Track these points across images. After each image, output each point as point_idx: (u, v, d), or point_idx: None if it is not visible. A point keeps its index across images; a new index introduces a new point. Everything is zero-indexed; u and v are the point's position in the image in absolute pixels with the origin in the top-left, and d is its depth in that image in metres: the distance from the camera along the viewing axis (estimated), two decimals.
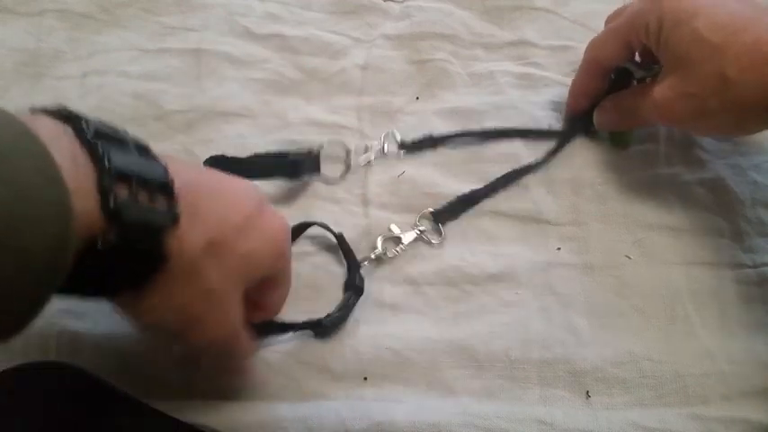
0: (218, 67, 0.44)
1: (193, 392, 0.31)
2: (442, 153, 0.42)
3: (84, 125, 0.22)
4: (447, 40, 0.47)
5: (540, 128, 0.42)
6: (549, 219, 0.39)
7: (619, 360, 0.34)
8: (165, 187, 0.23)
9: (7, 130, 0.18)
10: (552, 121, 0.43)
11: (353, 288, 0.35)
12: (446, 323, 0.35)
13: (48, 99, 0.37)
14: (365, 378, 0.33)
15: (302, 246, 0.37)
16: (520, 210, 0.39)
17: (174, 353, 0.32)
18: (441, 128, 0.43)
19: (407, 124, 0.43)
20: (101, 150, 0.21)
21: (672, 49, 0.34)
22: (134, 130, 0.25)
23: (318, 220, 0.37)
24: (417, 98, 0.44)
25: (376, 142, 0.41)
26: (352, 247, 0.36)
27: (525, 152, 0.41)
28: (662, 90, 0.34)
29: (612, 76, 0.41)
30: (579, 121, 0.42)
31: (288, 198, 0.39)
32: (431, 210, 0.39)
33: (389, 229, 0.38)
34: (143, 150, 0.24)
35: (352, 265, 0.36)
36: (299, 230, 0.36)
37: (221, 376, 0.32)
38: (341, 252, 0.36)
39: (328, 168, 0.40)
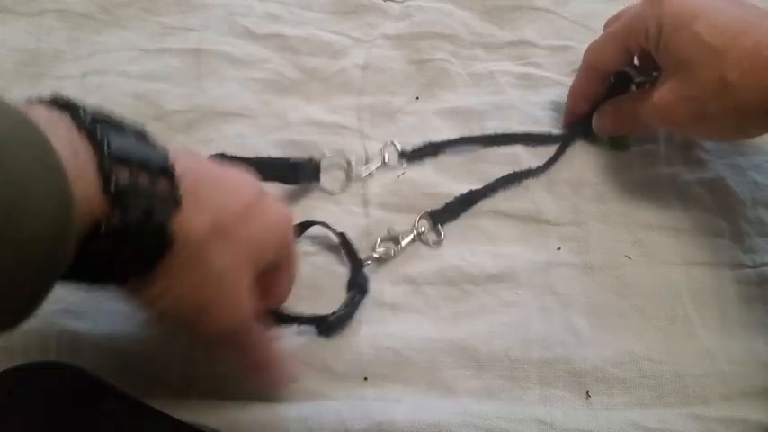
0: (218, 67, 0.44)
1: (193, 392, 0.31)
2: (442, 155, 0.42)
3: (81, 112, 0.22)
4: (447, 40, 0.47)
5: (541, 132, 0.42)
6: (549, 219, 0.39)
7: (619, 360, 0.34)
8: (165, 171, 0.23)
9: (4, 119, 0.18)
10: (552, 121, 0.43)
11: (357, 287, 0.35)
12: (446, 323, 0.35)
13: None
14: (365, 378, 0.33)
15: (303, 246, 0.37)
16: (520, 210, 0.39)
17: (200, 354, 0.32)
18: (441, 128, 0.43)
19: (407, 124, 0.43)
20: (99, 134, 0.21)
21: (672, 53, 0.34)
22: None
23: (319, 220, 0.37)
24: (417, 98, 0.44)
25: (377, 151, 0.41)
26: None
27: (525, 154, 0.41)
28: (662, 94, 0.34)
29: (612, 79, 0.41)
30: (579, 125, 0.42)
31: (288, 198, 0.39)
32: (429, 211, 0.39)
33: (388, 231, 0.38)
34: (141, 136, 0.24)
35: (356, 264, 0.36)
36: (300, 230, 0.36)
37: (254, 380, 0.31)
38: (343, 252, 0.36)
39: (329, 179, 0.40)
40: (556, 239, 0.38)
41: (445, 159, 0.41)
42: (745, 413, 0.32)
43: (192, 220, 0.24)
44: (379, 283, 0.36)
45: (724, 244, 0.38)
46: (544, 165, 0.41)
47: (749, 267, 0.37)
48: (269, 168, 0.38)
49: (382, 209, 0.39)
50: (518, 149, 0.41)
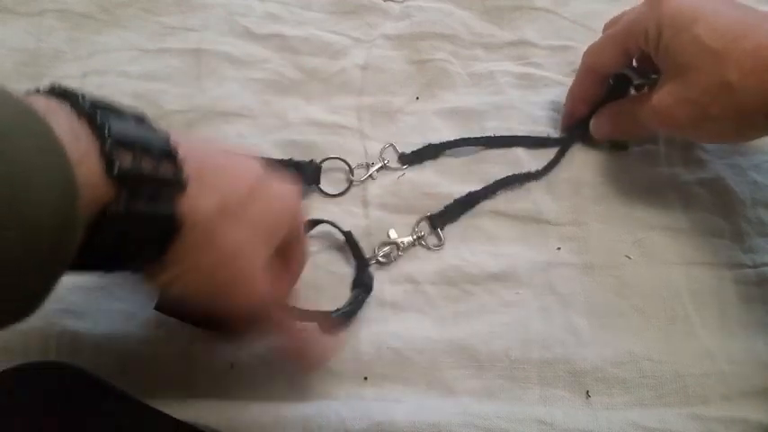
0: (218, 67, 0.44)
1: (193, 392, 0.31)
2: (442, 156, 0.42)
3: (80, 99, 0.22)
4: (447, 40, 0.47)
5: (540, 135, 0.42)
6: (549, 219, 0.39)
7: (619, 360, 0.34)
8: (168, 154, 0.23)
9: (5, 109, 0.18)
10: (552, 121, 0.43)
11: (362, 286, 0.35)
12: (446, 323, 0.35)
13: None
14: (365, 378, 0.33)
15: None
16: (520, 210, 0.39)
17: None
18: (441, 128, 0.43)
19: (407, 124, 0.43)
20: (100, 120, 0.21)
21: (672, 56, 0.34)
22: None
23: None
24: (417, 98, 0.44)
25: (377, 151, 0.41)
26: None
27: (525, 155, 0.41)
28: (661, 96, 0.34)
29: (611, 81, 0.41)
30: (577, 127, 0.42)
31: None
32: (429, 214, 0.39)
33: (388, 235, 0.38)
34: (141, 121, 0.24)
35: (361, 263, 0.36)
36: (306, 228, 0.36)
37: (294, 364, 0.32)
38: (348, 250, 0.36)
39: (329, 180, 0.40)
40: (556, 239, 0.38)
41: (445, 160, 0.41)
42: (745, 413, 0.32)
43: (198, 202, 0.24)
44: (380, 283, 0.36)
45: (724, 244, 0.38)
46: (543, 168, 0.41)
47: (749, 267, 0.37)
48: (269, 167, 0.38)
49: (382, 209, 0.39)
50: (518, 151, 0.41)
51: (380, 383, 0.33)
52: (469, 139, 0.42)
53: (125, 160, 0.21)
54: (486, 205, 0.39)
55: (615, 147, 0.42)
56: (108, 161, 0.20)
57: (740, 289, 0.37)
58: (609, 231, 0.39)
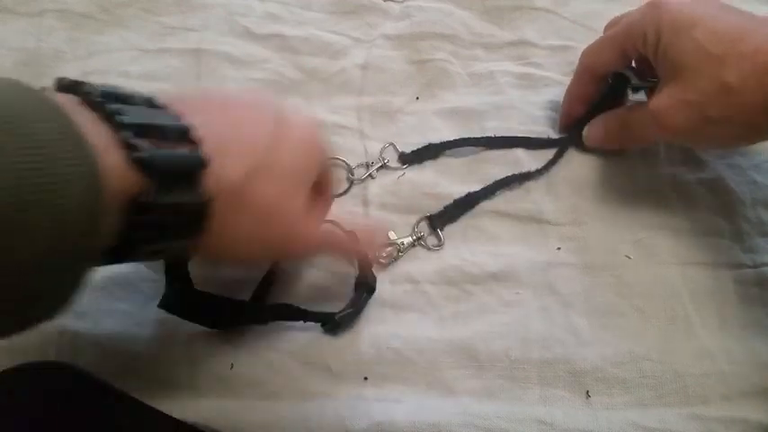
0: (218, 67, 0.44)
1: (194, 392, 0.31)
2: (442, 156, 0.42)
3: (90, 90, 0.22)
4: (447, 40, 0.47)
5: (540, 136, 0.42)
6: (549, 219, 0.39)
7: (619, 360, 0.34)
8: (184, 134, 0.23)
9: (26, 98, 0.18)
10: (552, 121, 0.43)
11: (365, 286, 0.35)
12: (446, 322, 0.35)
13: None
14: (365, 378, 0.33)
15: None
16: (520, 210, 0.39)
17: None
18: (441, 128, 0.43)
19: (407, 124, 0.43)
20: (113, 108, 0.21)
21: (670, 59, 0.33)
22: None
23: None
24: (417, 98, 0.44)
25: (377, 151, 0.41)
26: None
27: (525, 156, 0.41)
28: (660, 99, 0.34)
29: (609, 80, 0.40)
30: (575, 128, 0.42)
31: None
32: (429, 214, 0.39)
33: (387, 236, 0.38)
34: (151, 103, 0.24)
35: (364, 264, 0.36)
36: None
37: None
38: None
39: None
40: (556, 239, 0.38)
41: (445, 160, 0.41)
42: (745, 413, 0.32)
43: (225, 170, 0.24)
44: (380, 283, 0.36)
45: (724, 244, 0.38)
46: (542, 168, 0.41)
47: (749, 267, 0.37)
48: None
49: (382, 209, 0.39)
50: (518, 151, 0.41)
51: (381, 383, 0.33)
52: (469, 139, 0.42)
53: (143, 145, 0.21)
54: (486, 205, 0.39)
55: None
56: (128, 151, 0.21)
57: (740, 289, 0.37)
58: (609, 231, 0.39)
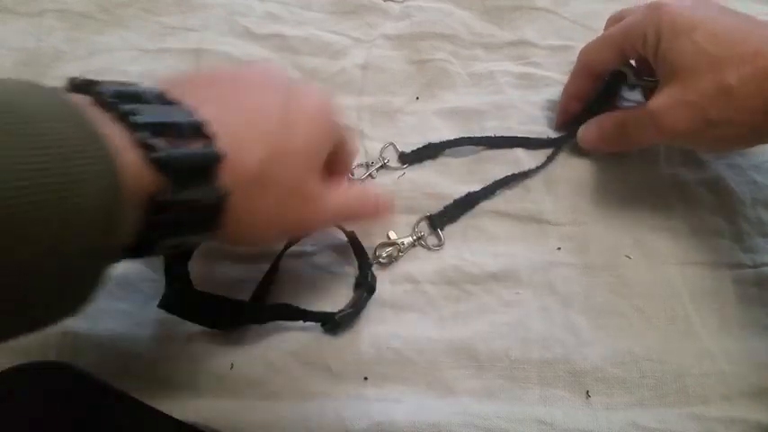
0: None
1: (194, 392, 0.31)
2: (442, 156, 0.42)
3: (101, 89, 0.22)
4: (447, 40, 0.47)
5: (540, 136, 0.42)
6: (549, 219, 0.39)
7: (619, 360, 0.34)
8: (198, 129, 0.23)
9: (45, 100, 0.19)
10: (551, 121, 0.43)
11: (365, 286, 0.35)
12: (446, 322, 0.35)
13: None
14: (365, 378, 0.33)
15: (303, 246, 0.37)
16: (520, 210, 0.39)
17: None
18: (441, 128, 0.43)
19: (407, 124, 0.43)
20: (127, 109, 0.21)
21: (670, 61, 0.33)
22: None
23: None
24: (417, 98, 0.44)
25: (377, 151, 0.41)
26: None
27: (525, 156, 0.41)
28: (660, 100, 0.34)
29: (606, 77, 0.41)
30: (572, 125, 0.42)
31: None
32: (429, 214, 0.39)
33: (387, 236, 0.38)
34: (163, 98, 0.24)
35: (364, 264, 0.36)
36: None
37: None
38: (350, 250, 0.36)
39: None
40: (556, 239, 0.38)
41: (445, 160, 0.41)
42: (745, 413, 0.32)
43: (241, 162, 0.24)
44: (380, 283, 0.36)
45: (724, 244, 0.38)
46: (541, 165, 0.41)
47: (749, 267, 0.37)
48: None
49: None
50: (518, 151, 0.41)
51: (381, 383, 0.33)
52: (469, 138, 0.42)
53: (159, 144, 0.21)
54: (486, 205, 0.39)
55: None
56: (145, 151, 0.21)
57: (740, 289, 0.37)
58: (609, 231, 0.39)
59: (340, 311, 0.33)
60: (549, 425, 0.31)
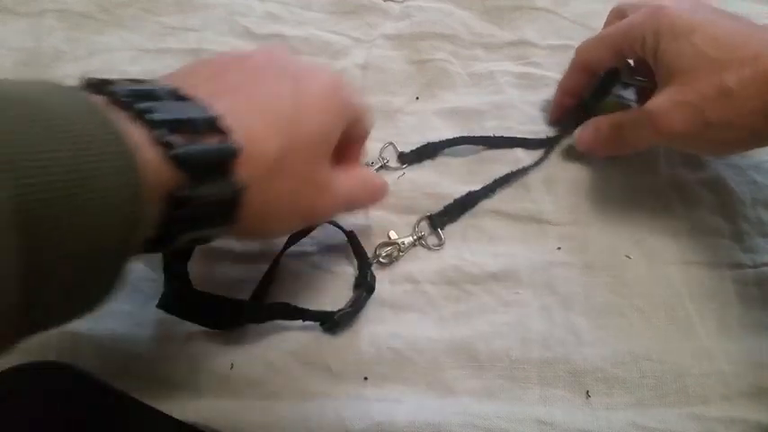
0: None
1: (194, 392, 0.31)
2: (441, 156, 0.42)
3: (115, 88, 0.22)
4: (447, 40, 0.47)
5: (540, 136, 0.42)
6: (549, 219, 0.39)
7: (619, 360, 0.34)
8: (213, 124, 0.23)
9: (66, 98, 0.19)
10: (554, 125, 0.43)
11: (365, 286, 0.35)
12: (446, 322, 0.35)
13: None
14: (365, 378, 0.33)
15: (303, 246, 0.37)
16: (520, 210, 0.39)
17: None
18: (441, 128, 0.43)
19: (407, 124, 0.43)
20: (142, 107, 0.21)
21: (669, 63, 0.33)
22: None
23: None
24: (417, 98, 0.44)
25: (377, 151, 0.41)
26: None
27: (525, 156, 0.41)
28: (659, 101, 0.34)
29: (602, 74, 0.41)
30: (567, 123, 0.42)
31: None
32: (429, 214, 0.39)
33: (388, 236, 0.38)
34: (176, 95, 0.24)
35: (364, 263, 0.36)
36: (307, 229, 0.36)
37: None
38: (349, 250, 0.36)
39: None
40: (556, 239, 0.38)
41: (445, 160, 0.41)
42: (745, 413, 0.32)
43: (257, 154, 0.24)
44: (380, 283, 0.36)
45: (724, 244, 0.38)
46: (538, 160, 0.41)
47: (749, 267, 0.37)
48: None
49: (382, 209, 0.39)
50: (518, 151, 0.42)
51: (381, 383, 0.33)
52: (468, 137, 0.42)
53: (179, 144, 0.21)
54: (487, 205, 0.39)
55: None
56: (164, 148, 0.21)
57: (740, 289, 0.37)
58: (609, 231, 0.39)
59: (339, 311, 0.33)
60: (549, 425, 0.31)
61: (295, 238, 0.35)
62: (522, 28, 0.49)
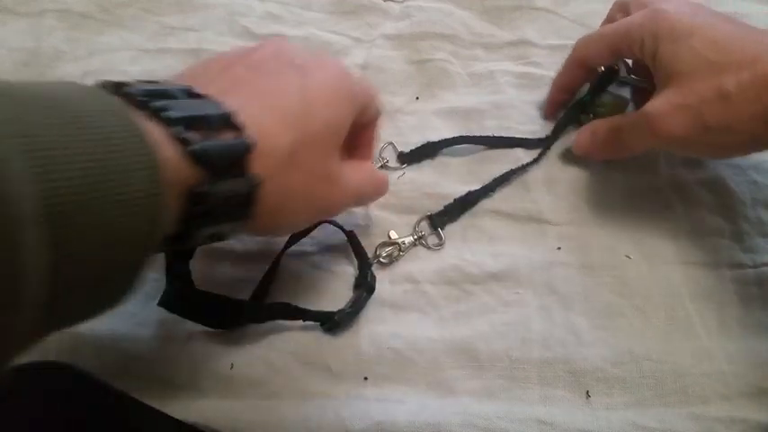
0: None
1: (194, 392, 0.31)
2: (441, 156, 0.42)
3: (130, 89, 0.22)
4: (447, 40, 0.47)
5: (538, 137, 0.42)
6: (549, 219, 0.39)
7: (619, 360, 0.34)
8: (227, 120, 0.23)
9: (90, 99, 0.19)
10: (551, 121, 0.43)
11: (365, 286, 0.35)
12: (447, 322, 0.35)
13: None
14: (365, 378, 0.33)
15: (303, 246, 0.37)
16: (520, 210, 0.39)
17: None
18: (441, 128, 0.43)
19: (407, 124, 0.43)
20: (158, 105, 0.21)
21: (668, 65, 0.33)
22: None
23: None
24: (417, 98, 0.44)
25: (376, 155, 0.41)
26: None
27: (525, 155, 0.41)
28: (657, 103, 0.34)
29: (600, 71, 0.41)
30: (562, 119, 0.42)
31: None
32: (429, 214, 0.39)
33: (389, 236, 0.38)
34: (189, 93, 0.24)
35: (364, 263, 0.36)
36: (307, 229, 0.36)
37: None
38: (349, 250, 0.36)
39: None
40: (556, 239, 0.38)
41: (445, 160, 0.41)
42: (745, 413, 0.32)
43: (269, 149, 0.24)
44: (380, 283, 0.36)
45: (724, 244, 0.38)
46: (536, 158, 0.41)
47: (749, 267, 0.37)
48: None
49: (382, 209, 0.39)
50: (518, 150, 0.42)
51: (381, 383, 0.33)
52: (468, 137, 0.42)
53: (196, 141, 0.21)
54: (487, 205, 0.39)
55: None
56: (182, 145, 0.21)
57: (740, 289, 0.37)
58: (609, 231, 0.39)
59: (339, 311, 0.33)
60: (549, 425, 0.31)
61: (295, 238, 0.36)
62: (522, 28, 0.49)
